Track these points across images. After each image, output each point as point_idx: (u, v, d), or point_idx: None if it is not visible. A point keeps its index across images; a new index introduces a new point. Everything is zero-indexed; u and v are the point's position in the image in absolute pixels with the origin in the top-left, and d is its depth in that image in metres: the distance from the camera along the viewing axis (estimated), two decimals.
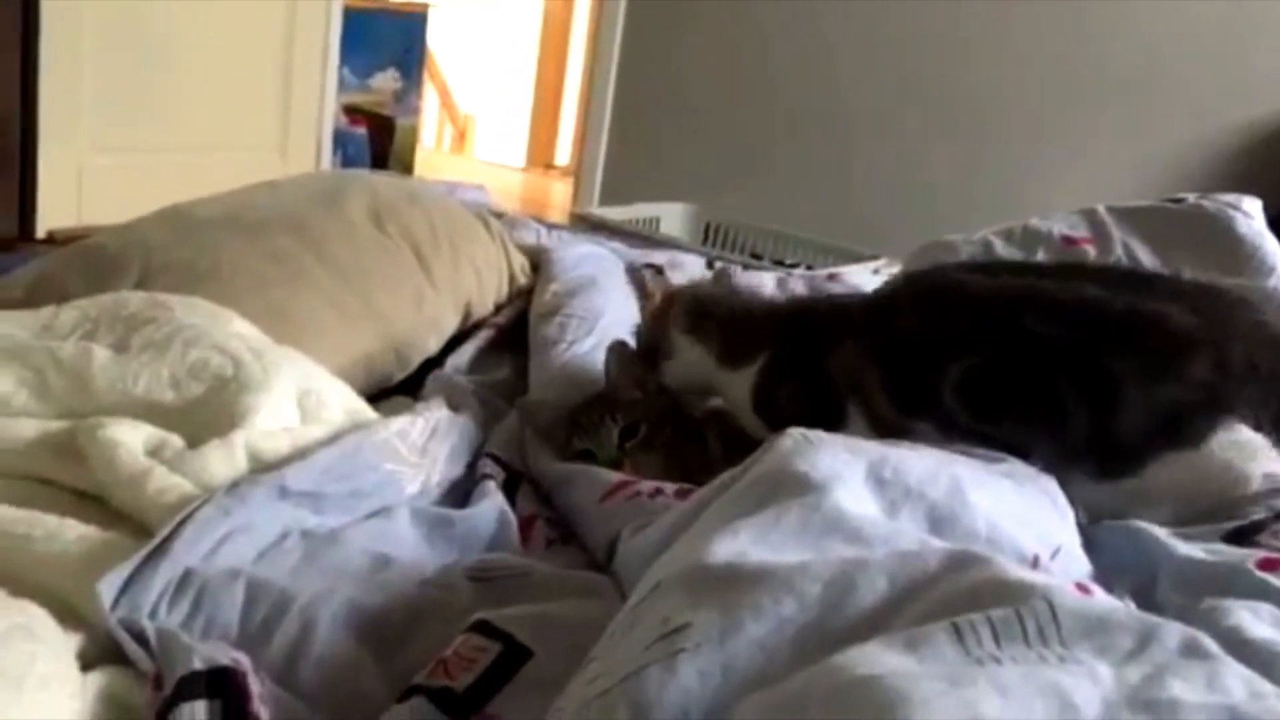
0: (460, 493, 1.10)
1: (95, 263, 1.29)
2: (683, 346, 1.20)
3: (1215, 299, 1.02)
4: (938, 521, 0.78)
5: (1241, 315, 1.02)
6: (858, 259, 2.61)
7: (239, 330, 1.13)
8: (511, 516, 1.05)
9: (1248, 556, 0.83)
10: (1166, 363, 0.95)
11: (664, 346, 1.21)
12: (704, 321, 1.19)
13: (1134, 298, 1.00)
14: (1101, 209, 1.49)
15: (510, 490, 1.11)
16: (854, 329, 1.10)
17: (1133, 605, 0.79)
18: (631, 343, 1.25)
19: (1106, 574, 0.85)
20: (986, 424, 0.98)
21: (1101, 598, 0.68)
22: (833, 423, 1.04)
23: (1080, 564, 0.85)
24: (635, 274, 1.66)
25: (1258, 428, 0.96)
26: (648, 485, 1.04)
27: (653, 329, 1.24)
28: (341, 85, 4.24)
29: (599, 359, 1.28)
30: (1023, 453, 0.95)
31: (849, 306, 1.18)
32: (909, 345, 1.04)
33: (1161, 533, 0.89)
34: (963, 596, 0.59)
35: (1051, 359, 0.97)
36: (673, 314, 1.21)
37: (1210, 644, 0.56)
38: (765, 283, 1.75)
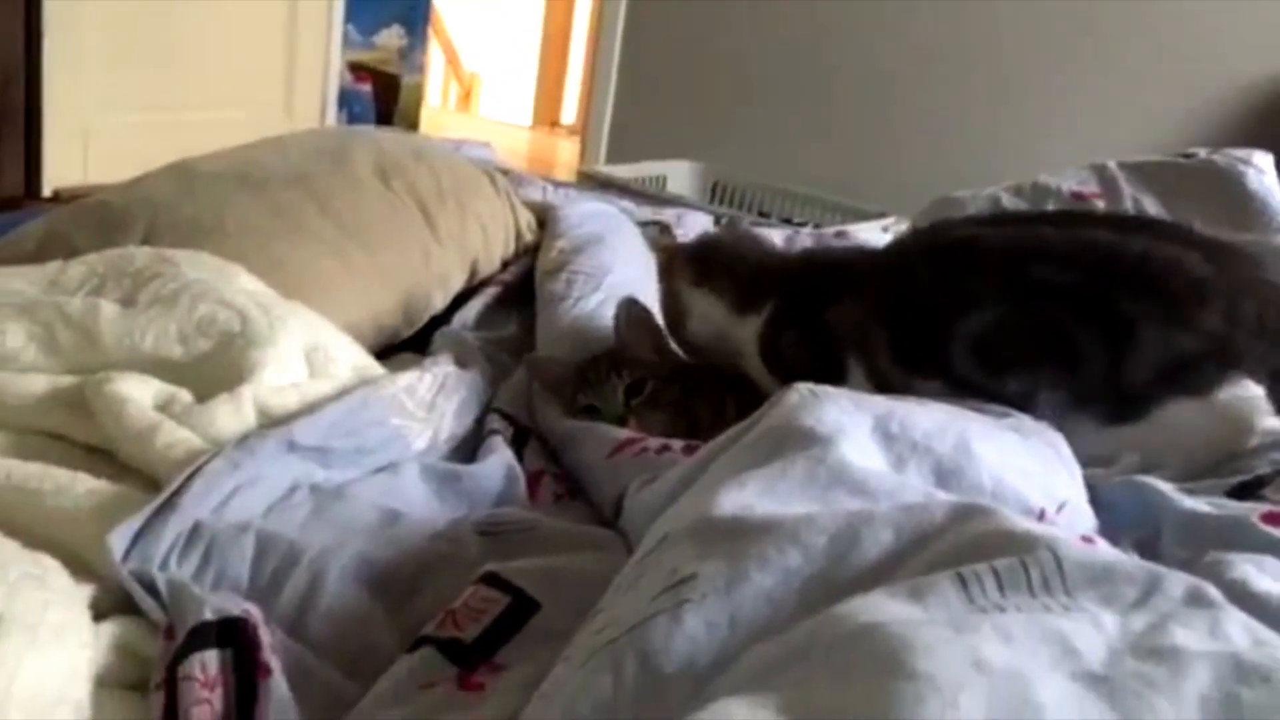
0: (468, 448, 1.11)
1: (102, 218, 1.29)
2: (694, 299, 1.19)
3: (1228, 253, 1.01)
4: (944, 475, 0.78)
5: (1253, 272, 1.02)
6: (866, 217, 2.60)
7: (246, 285, 1.13)
8: (519, 472, 1.06)
9: (1252, 510, 0.84)
10: (1181, 308, 0.95)
11: (680, 305, 1.20)
12: (711, 271, 1.17)
13: (1148, 242, 0.99)
14: (1112, 164, 1.49)
15: (518, 446, 1.12)
16: (861, 285, 1.09)
17: (1137, 558, 0.79)
18: (645, 301, 1.24)
19: (1112, 529, 0.85)
20: (994, 378, 0.98)
21: (1106, 548, 0.68)
22: (833, 376, 1.04)
23: (1086, 518, 0.86)
24: (654, 234, 1.65)
25: (1261, 385, 0.97)
26: (655, 442, 1.04)
27: (664, 291, 1.22)
28: (346, 43, 4.21)
29: (606, 315, 1.28)
30: (1029, 402, 0.95)
31: (857, 262, 1.17)
32: (917, 304, 1.04)
33: (1166, 487, 0.89)
34: (968, 547, 0.60)
35: (1064, 305, 0.97)
36: (676, 269, 1.20)
37: (1214, 593, 0.56)
38: (774, 240, 1.74)
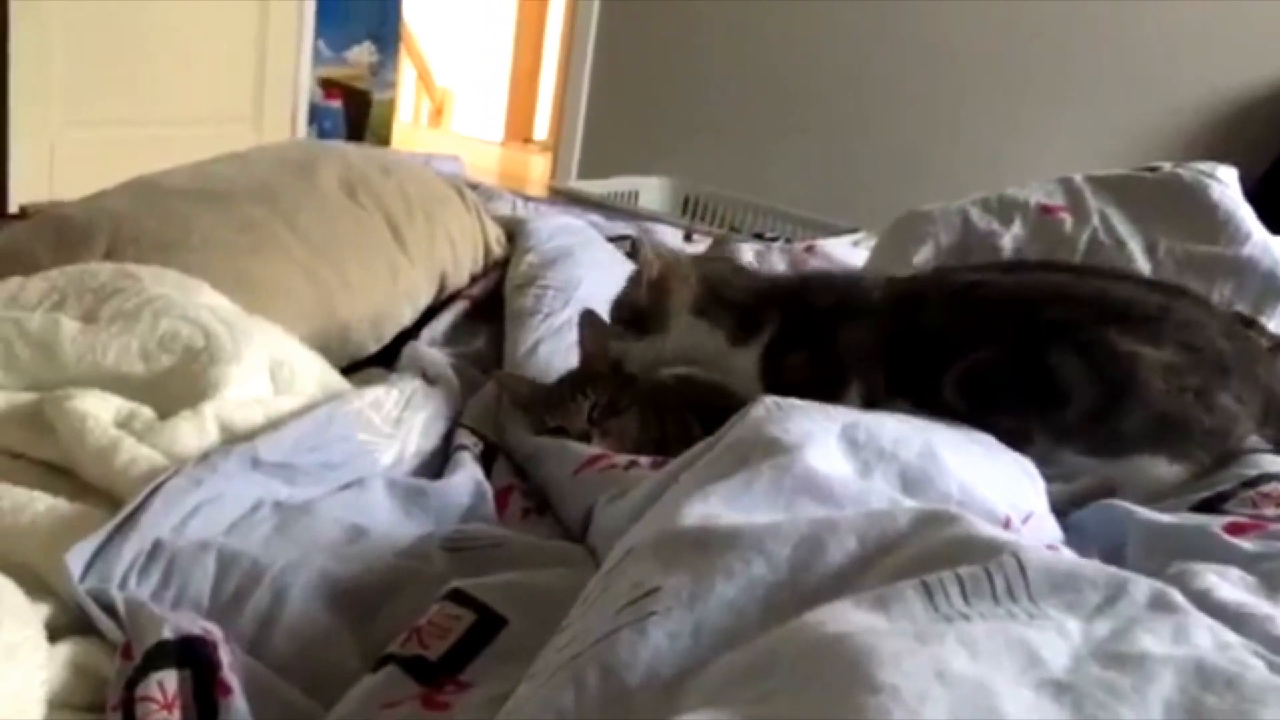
0: (436, 464, 1.10)
1: (63, 234, 1.27)
2: (687, 325, 1.15)
3: (1245, 337, 1.02)
4: (910, 482, 0.78)
5: (1269, 362, 1.02)
6: (836, 232, 2.60)
7: (209, 301, 1.11)
8: (487, 487, 1.05)
9: (1214, 521, 0.84)
10: (1202, 372, 0.95)
11: (658, 321, 1.16)
12: (716, 305, 1.15)
13: (1170, 300, 0.99)
14: (1078, 177, 1.49)
15: (487, 461, 1.11)
16: (872, 311, 1.09)
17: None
18: (603, 312, 1.22)
19: (1077, 545, 0.85)
20: (984, 414, 0.97)
21: (1070, 555, 0.68)
22: (833, 395, 1.03)
23: (1052, 530, 0.86)
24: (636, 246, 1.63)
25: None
26: (622, 458, 1.03)
27: (651, 300, 1.17)
28: (317, 58, 4.20)
29: (575, 331, 1.27)
30: (1023, 439, 0.95)
31: (869, 288, 1.15)
32: (922, 337, 1.04)
33: (1130, 504, 0.90)
34: (932, 554, 0.59)
35: (1068, 340, 0.96)
36: (680, 294, 1.15)
37: (1178, 597, 0.56)
38: (744, 255, 1.74)
